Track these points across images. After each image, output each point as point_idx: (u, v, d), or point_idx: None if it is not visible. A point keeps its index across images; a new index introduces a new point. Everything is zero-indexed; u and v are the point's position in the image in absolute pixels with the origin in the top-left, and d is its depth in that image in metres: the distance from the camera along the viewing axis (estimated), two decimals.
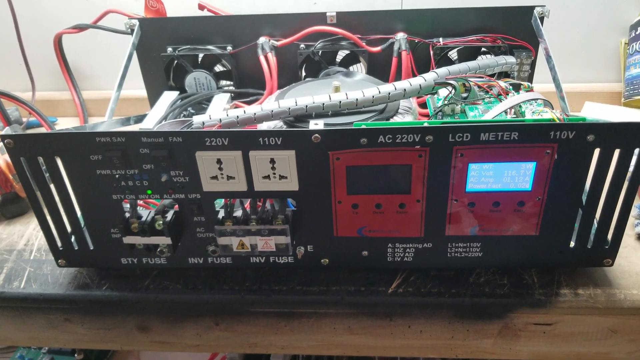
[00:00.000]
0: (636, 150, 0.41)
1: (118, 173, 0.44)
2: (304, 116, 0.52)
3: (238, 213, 0.45)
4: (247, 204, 0.46)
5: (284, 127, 0.52)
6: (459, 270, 0.49)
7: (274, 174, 0.43)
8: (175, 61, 0.68)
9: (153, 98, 0.72)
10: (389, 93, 0.52)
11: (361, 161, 0.42)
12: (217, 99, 0.65)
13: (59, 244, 0.49)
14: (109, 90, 0.87)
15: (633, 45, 0.73)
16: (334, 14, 0.63)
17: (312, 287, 0.48)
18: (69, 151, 0.43)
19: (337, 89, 0.54)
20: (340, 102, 0.51)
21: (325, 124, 0.49)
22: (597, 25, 0.77)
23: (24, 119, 0.80)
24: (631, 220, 0.53)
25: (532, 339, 0.48)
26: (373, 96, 0.51)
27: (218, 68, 0.69)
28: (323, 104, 0.51)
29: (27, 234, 0.59)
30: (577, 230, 0.45)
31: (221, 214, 0.45)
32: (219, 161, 0.42)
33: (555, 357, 0.50)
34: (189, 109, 0.65)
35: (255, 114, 0.51)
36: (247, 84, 0.69)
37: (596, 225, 0.45)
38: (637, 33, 0.73)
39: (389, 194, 0.44)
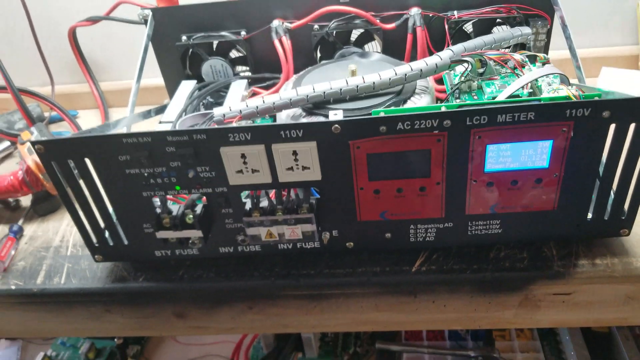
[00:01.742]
0: None
1: (146, 171, 0.46)
2: (322, 102, 0.53)
3: (264, 203, 0.47)
4: (272, 194, 0.48)
5: (303, 114, 0.53)
6: (479, 246, 0.50)
7: (297, 165, 0.44)
8: (191, 50, 0.68)
9: (170, 87, 0.73)
10: (406, 74, 0.52)
11: (381, 148, 0.43)
12: (235, 86, 0.66)
13: (95, 241, 0.51)
14: (127, 80, 0.88)
15: None
16: None
17: (339, 270, 0.50)
18: (97, 153, 0.45)
19: (353, 73, 0.54)
20: (357, 86, 0.52)
21: (344, 110, 0.50)
22: None
23: (46, 114, 0.82)
24: None
25: (551, 308, 0.50)
26: (390, 79, 0.52)
27: (233, 54, 0.70)
28: (340, 89, 0.52)
29: (61, 230, 0.61)
30: (594, 203, 0.46)
31: (248, 205, 0.47)
32: (243, 156, 0.44)
33: (575, 323, 0.52)
34: (207, 97, 0.66)
35: (274, 103, 0.52)
36: (263, 68, 0.69)
37: (613, 197, 0.46)
38: None
39: (410, 178, 0.45)
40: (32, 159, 0.61)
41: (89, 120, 0.84)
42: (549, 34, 0.65)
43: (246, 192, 0.48)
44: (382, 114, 0.43)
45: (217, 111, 0.52)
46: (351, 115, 0.50)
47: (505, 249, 0.50)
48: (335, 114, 0.46)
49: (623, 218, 0.47)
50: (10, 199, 0.65)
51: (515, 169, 0.44)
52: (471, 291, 0.49)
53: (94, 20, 0.74)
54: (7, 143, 0.77)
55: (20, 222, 0.62)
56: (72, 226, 0.62)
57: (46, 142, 0.45)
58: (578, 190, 0.45)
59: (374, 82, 0.52)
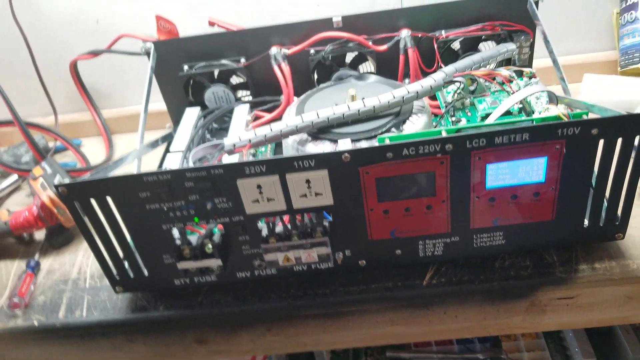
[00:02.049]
0: (637, 138, 0.44)
1: (166, 206, 0.48)
2: (326, 127, 0.55)
3: (279, 228, 0.49)
4: (285, 218, 0.50)
5: (309, 138, 0.56)
6: (485, 257, 0.53)
7: (310, 191, 0.47)
8: (192, 78, 0.71)
9: (173, 113, 0.75)
10: (403, 97, 0.55)
11: (389, 172, 0.46)
12: (238, 111, 0.68)
13: (115, 273, 0.53)
14: (128, 106, 0.90)
15: (625, 16, 0.76)
16: (340, 18, 0.66)
17: (353, 287, 0.53)
18: (119, 191, 0.47)
19: (353, 98, 0.57)
20: (359, 110, 0.54)
21: (349, 133, 0.53)
22: None
23: (50, 144, 0.84)
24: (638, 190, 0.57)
25: (557, 312, 0.53)
26: (389, 102, 0.55)
27: (234, 80, 0.72)
28: (343, 114, 0.54)
29: (77, 263, 0.63)
30: (590, 211, 0.49)
31: (264, 232, 0.49)
32: (258, 186, 0.46)
33: (579, 325, 0.55)
34: (212, 124, 0.68)
35: (281, 130, 0.54)
36: (263, 91, 0.72)
37: (606, 205, 0.49)
38: (627, 4, 0.75)
39: (416, 198, 0.48)
40: (47, 194, 0.62)
41: (93, 149, 0.85)
42: (532, 47, 0.68)
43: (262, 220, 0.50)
44: (387, 141, 0.45)
45: (228, 141, 0.55)
46: (356, 139, 0.53)
47: (509, 258, 0.53)
48: (345, 143, 0.48)
49: (617, 223, 0.50)
50: (25, 234, 0.67)
51: (514, 184, 0.47)
52: (480, 300, 0.52)
53: (95, 54, 0.76)
54: (14, 177, 0.78)
55: (36, 257, 0.64)
56: (87, 258, 0.63)
57: (70, 185, 0.47)
58: (574, 201, 0.48)
59: (374, 106, 0.55)
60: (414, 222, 0.49)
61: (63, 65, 0.82)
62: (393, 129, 0.54)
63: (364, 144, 0.53)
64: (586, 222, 0.50)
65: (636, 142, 0.44)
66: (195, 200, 0.48)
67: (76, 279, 0.61)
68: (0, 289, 0.61)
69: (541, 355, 0.82)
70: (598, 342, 0.82)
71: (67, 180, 0.47)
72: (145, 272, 0.53)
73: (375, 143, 0.51)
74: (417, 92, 0.55)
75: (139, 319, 0.55)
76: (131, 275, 0.53)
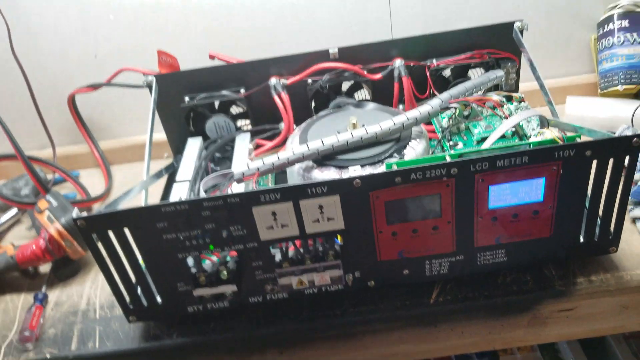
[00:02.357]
0: (627, 158, 0.48)
1: (182, 235, 0.50)
2: (331, 154, 0.57)
3: (291, 252, 0.51)
4: (297, 242, 0.52)
5: (315, 165, 0.58)
6: (488, 274, 0.55)
7: (323, 216, 0.49)
8: (193, 109, 0.73)
9: (173, 143, 0.77)
10: (403, 124, 0.58)
11: (397, 196, 0.48)
12: (240, 140, 0.70)
13: (129, 302, 0.54)
14: (125, 137, 0.91)
15: (602, 42, 0.80)
16: (336, 50, 0.69)
17: (363, 308, 0.55)
18: (136, 223, 0.49)
19: (354, 125, 0.60)
20: (362, 137, 0.57)
21: (353, 159, 0.56)
22: (569, 23, 0.84)
23: (49, 176, 0.84)
24: None
25: (557, 324, 0.56)
26: (390, 128, 0.57)
27: (234, 110, 0.74)
28: (347, 141, 0.57)
29: (85, 294, 0.64)
30: (585, 227, 0.52)
31: (278, 257, 0.51)
32: (273, 213, 0.48)
33: (578, 335, 0.58)
34: (216, 154, 0.70)
35: (288, 159, 0.56)
36: (263, 119, 0.74)
37: (600, 221, 0.52)
38: (604, 31, 0.80)
39: (423, 219, 0.50)
40: (54, 227, 0.63)
41: (91, 180, 0.86)
42: (518, 72, 0.72)
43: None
44: (395, 167, 0.48)
45: (237, 170, 0.57)
46: (362, 164, 0.56)
47: (511, 274, 0.55)
48: (355, 170, 0.50)
49: (610, 238, 0.53)
50: (30, 267, 0.67)
51: (515, 204, 0.50)
52: (485, 316, 0.54)
53: (95, 87, 0.77)
54: (14, 210, 0.79)
55: (43, 289, 0.64)
56: (96, 289, 0.64)
57: (88, 217, 0.48)
58: (570, 218, 0.51)
59: (376, 133, 0.57)
60: (421, 243, 0.52)
61: (60, 98, 0.84)
62: (395, 154, 0.57)
63: (369, 170, 0.55)
64: (582, 237, 0.53)
65: (626, 162, 0.47)
66: (212, 228, 0.49)
67: (86, 310, 0.61)
68: (8, 323, 0.61)
69: None
70: (591, 353, 0.85)
71: (74, 212, 0.48)
72: (159, 301, 0.54)
73: (381, 168, 0.54)
74: (416, 119, 0.58)
75: (153, 347, 0.55)
76: (145, 304, 0.54)
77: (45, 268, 0.68)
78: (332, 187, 0.47)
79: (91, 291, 0.64)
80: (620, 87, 0.78)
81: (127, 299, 0.54)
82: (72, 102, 0.83)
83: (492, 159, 0.47)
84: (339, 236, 0.51)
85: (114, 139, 0.91)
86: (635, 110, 0.73)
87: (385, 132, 0.57)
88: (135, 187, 0.61)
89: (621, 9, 0.78)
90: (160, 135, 0.77)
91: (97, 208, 0.80)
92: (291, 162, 0.57)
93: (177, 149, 0.78)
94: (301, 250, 0.51)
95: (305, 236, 0.50)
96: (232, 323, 0.56)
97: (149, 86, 0.71)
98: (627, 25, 0.77)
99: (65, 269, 0.66)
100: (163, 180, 0.72)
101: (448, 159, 0.48)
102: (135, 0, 0.80)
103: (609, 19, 0.79)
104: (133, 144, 0.91)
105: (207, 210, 0.48)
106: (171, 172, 0.73)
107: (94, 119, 0.89)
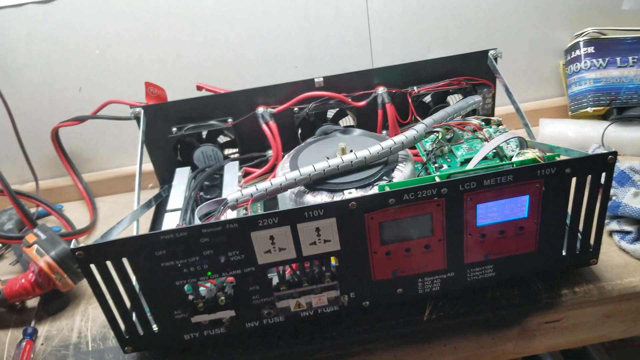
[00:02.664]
0: (603, 174, 0.51)
1: (180, 262, 0.50)
2: (322, 179, 0.59)
3: (288, 275, 0.52)
4: (293, 265, 0.53)
5: (306, 190, 0.59)
6: (477, 290, 0.57)
7: (319, 239, 0.50)
8: (181, 139, 0.74)
9: (160, 174, 0.78)
10: (391, 147, 0.60)
11: (391, 216, 0.50)
12: (228, 168, 0.71)
13: (125, 332, 0.53)
14: (110, 169, 0.91)
15: (570, 67, 0.85)
16: (322, 78, 0.72)
17: (359, 328, 0.56)
18: (135, 252, 0.49)
19: (343, 151, 0.62)
20: (352, 162, 0.59)
21: (344, 182, 0.57)
22: (538, 51, 0.89)
23: (32, 210, 0.83)
24: None
25: (545, 335, 0.58)
26: (378, 152, 0.60)
27: (221, 139, 0.76)
28: (338, 165, 0.59)
29: (76, 327, 0.63)
30: (567, 241, 0.55)
31: (275, 281, 0.52)
32: (271, 237, 0.49)
33: (565, 345, 0.60)
34: (205, 182, 0.71)
35: (281, 184, 0.58)
36: (250, 148, 0.76)
37: (580, 235, 0.55)
38: (572, 57, 0.85)
39: (416, 238, 0.52)
40: (44, 260, 0.63)
41: (75, 213, 0.85)
42: (493, 97, 0.76)
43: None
44: (387, 188, 0.50)
45: (231, 197, 0.58)
46: (354, 187, 0.57)
47: (499, 289, 0.57)
48: (350, 192, 0.52)
49: (591, 250, 0.56)
50: (17, 302, 0.66)
51: (501, 221, 0.52)
52: (477, 331, 0.56)
53: (80, 120, 0.78)
54: None
55: (32, 324, 0.63)
56: (87, 321, 0.64)
57: (87, 248, 0.48)
58: (553, 232, 0.54)
59: (365, 157, 0.59)
60: (413, 262, 0.53)
61: (43, 131, 0.84)
62: (384, 177, 0.59)
63: (360, 193, 0.57)
64: (564, 251, 0.56)
65: (602, 179, 0.51)
66: (210, 255, 0.50)
67: (77, 344, 0.61)
68: None
69: None
70: None
71: (72, 243, 0.49)
72: (155, 329, 0.54)
73: (372, 191, 0.56)
74: (403, 143, 0.60)
75: None
76: (141, 333, 0.54)
77: (32, 302, 0.67)
78: (328, 209, 0.49)
79: (82, 324, 0.63)
80: (589, 109, 0.82)
81: (123, 328, 0.54)
82: (55, 135, 0.83)
83: (480, 178, 0.49)
84: (332, 258, 0.53)
85: (98, 171, 0.91)
86: (605, 130, 0.78)
87: (374, 156, 0.59)
88: (125, 217, 0.62)
89: (586, 36, 0.84)
90: (146, 165, 0.78)
91: (85, 241, 0.79)
92: (284, 188, 0.58)
93: (163, 179, 0.79)
94: (298, 272, 0.52)
95: (302, 259, 0.51)
96: (229, 349, 0.56)
97: (137, 118, 0.72)
98: (592, 51, 0.83)
99: (55, 303, 0.66)
100: (150, 212, 0.72)
101: (437, 180, 0.50)
102: (121, 36, 0.82)
103: (576, 46, 0.84)
104: (117, 176, 0.91)
105: (206, 237, 0.49)
106: (159, 203, 0.74)
107: (78, 151, 0.89)
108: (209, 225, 0.48)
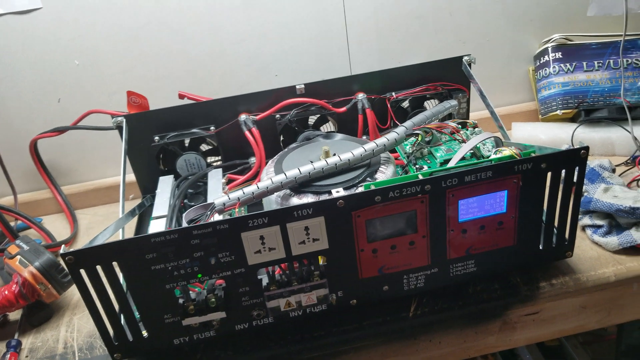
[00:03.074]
0: (576, 168, 0.54)
1: (171, 265, 0.51)
2: (307, 181, 0.60)
3: (277, 275, 0.53)
4: (283, 265, 0.54)
5: (292, 193, 0.60)
6: (459, 285, 0.59)
7: (308, 238, 0.51)
8: (163, 147, 0.74)
9: (142, 183, 0.78)
10: (373, 150, 0.62)
11: (377, 214, 0.52)
12: (212, 175, 0.72)
13: (114, 338, 0.53)
14: (90, 181, 0.91)
15: (540, 72, 0.89)
16: (303, 85, 0.73)
17: (347, 326, 0.57)
18: (125, 255, 0.49)
19: (327, 154, 0.63)
20: (336, 164, 0.60)
21: (328, 184, 0.59)
22: (508, 58, 0.93)
23: (12, 224, 0.82)
24: None
25: (525, 328, 0.60)
26: (361, 155, 0.61)
27: (204, 147, 0.76)
28: (323, 168, 0.60)
29: (61, 338, 0.62)
30: (543, 234, 0.57)
31: (265, 281, 0.53)
32: (261, 237, 0.50)
33: (544, 337, 0.62)
34: (188, 190, 0.71)
35: (267, 187, 0.59)
36: (233, 155, 0.77)
37: (556, 229, 0.57)
38: (541, 62, 0.89)
39: (401, 235, 0.54)
40: (28, 271, 0.62)
41: (55, 226, 0.85)
42: (468, 102, 0.79)
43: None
44: (372, 187, 0.52)
45: (218, 201, 0.58)
46: (342, 188, 0.59)
47: (480, 283, 0.59)
48: (338, 191, 0.54)
49: (566, 243, 0.58)
50: None
51: (482, 216, 0.55)
52: (461, 325, 0.58)
53: (60, 131, 0.78)
54: None
55: (16, 336, 0.63)
56: (72, 332, 0.63)
57: (77, 252, 0.48)
58: (530, 227, 0.56)
59: (349, 159, 0.61)
60: (399, 258, 0.55)
61: (21, 143, 0.83)
62: (368, 179, 0.60)
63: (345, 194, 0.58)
64: (541, 245, 0.58)
65: (576, 173, 0.53)
66: (200, 256, 0.51)
67: (63, 354, 0.60)
68: None
69: None
70: (552, 358, 0.89)
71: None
72: (145, 334, 0.54)
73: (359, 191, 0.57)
74: (385, 145, 0.62)
75: None
76: (130, 339, 0.54)
77: (15, 315, 0.66)
78: (317, 208, 0.50)
79: (67, 334, 0.63)
80: (559, 112, 0.86)
81: (112, 335, 0.53)
82: (34, 147, 0.82)
83: (461, 174, 0.51)
84: (320, 257, 0.54)
85: (78, 183, 0.91)
86: (574, 131, 0.81)
87: (357, 158, 0.61)
88: (110, 226, 0.62)
89: (554, 42, 0.88)
90: (127, 176, 0.78)
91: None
92: (270, 191, 0.59)
93: (145, 189, 0.79)
94: (287, 272, 0.53)
95: (292, 258, 0.52)
96: (219, 352, 0.56)
97: (119, 127, 0.72)
98: (560, 56, 0.87)
99: (39, 314, 0.65)
100: (133, 221, 0.72)
101: (420, 177, 0.52)
102: (101, 46, 0.82)
103: (544, 52, 0.88)
104: (97, 188, 0.90)
105: (196, 239, 0.50)
106: (142, 212, 0.74)
107: (57, 163, 0.89)
108: (199, 226, 0.49)
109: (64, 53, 0.81)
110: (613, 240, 0.61)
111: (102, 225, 0.83)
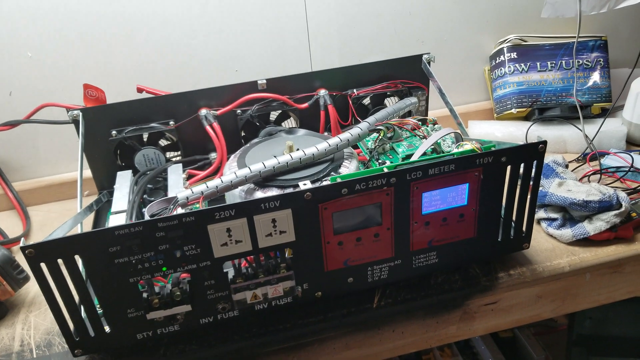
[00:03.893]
0: (534, 162, 0.56)
1: (135, 258, 0.50)
2: (272, 175, 0.60)
3: (243, 268, 0.53)
4: (249, 258, 0.54)
5: (257, 188, 0.60)
6: (421, 276, 0.61)
7: (275, 230, 0.51)
8: (121, 142, 0.72)
9: (99, 179, 0.75)
10: (337, 145, 0.62)
11: (343, 206, 0.52)
12: (172, 171, 0.71)
13: (75, 334, 0.52)
14: (40, 177, 0.88)
15: (495, 72, 0.92)
16: (264, 81, 0.73)
17: (312, 319, 0.57)
18: (88, 248, 0.48)
19: (291, 148, 0.63)
20: (300, 158, 0.61)
21: (292, 179, 0.59)
22: (464, 57, 0.96)
23: None
24: None
25: (484, 317, 0.62)
26: (325, 149, 0.62)
27: (163, 142, 0.75)
28: (287, 162, 0.60)
29: (17, 335, 0.60)
30: (502, 227, 0.60)
31: (231, 274, 0.53)
32: (228, 230, 0.50)
33: (502, 326, 0.65)
34: (148, 185, 0.70)
35: (231, 181, 0.59)
36: (192, 151, 0.76)
37: (513, 222, 0.60)
38: (496, 62, 0.92)
39: (366, 228, 0.55)
40: None
41: (5, 223, 0.81)
42: (427, 100, 0.81)
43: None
44: (338, 180, 0.52)
45: (181, 194, 0.58)
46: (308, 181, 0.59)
47: (442, 275, 0.61)
48: (305, 184, 0.54)
49: (523, 235, 0.61)
50: None
51: (444, 208, 0.56)
52: (422, 315, 0.59)
53: (12, 125, 0.74)
54: None
55: None
56: (28, 329, 0.61)
57: (37, 245, 0.46)
58: (490, 219, 0.58)
59: (313, 154, 0.61)
60: (364, 250, 0.56)
61: None
62: (332, 173, 0.61)
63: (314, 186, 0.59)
64: (500, 237, 0.60)
65: (534, 166, 0.56)
66: (165, 249, 0.50)
67: (20, 352, 0.58)
68: None
69: None
70: (506, 351, 0.93)
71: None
72: (107, 329, 0.53)
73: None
74: (349, 140, 0.63)
75: None
76: (92, 334, 0.52)
77: None
78: (284, 200, 0.50)
79: (24, 332, 0.60)
80: (513, 111, 0.89)
81: (74, 330, 0.52)
82: None
83: (425, 167, 0.52)
84: (287, 250, 0.54)
85: (30, 179, 0.87)
86: (528, 129, 0.85)
87: (321, 153, 0.62)
88: (68, 220, 0.60)
89: (509, 42, 0.91)
90: (74, 175, 0.76)
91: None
92: (234, 185, 0.59)
93: (102, 185, 0.76)
94: (254, 264, 0.53)
95: (258, 251, 0.52)
96: (183, 346, 0.56)
97: (75, 121, 0.70)
98: (515, 56, 0.90)
99: None
100: (90, 218, 0.70)
101: (386, 170, 0.53)
102: (55, 37, 0.79)
103: (500, 52, 0.92)
104: (50, 184, 0.87)
105: (162, 231, 0.49)
106: (99, 207, 0.72)
107: (8, 158, 0.85)
108: (165, 219, 0.48)
109: (14, 44, 0.78)
110: (567, 232, 0.64)
111: (56, 222, 0.80)
